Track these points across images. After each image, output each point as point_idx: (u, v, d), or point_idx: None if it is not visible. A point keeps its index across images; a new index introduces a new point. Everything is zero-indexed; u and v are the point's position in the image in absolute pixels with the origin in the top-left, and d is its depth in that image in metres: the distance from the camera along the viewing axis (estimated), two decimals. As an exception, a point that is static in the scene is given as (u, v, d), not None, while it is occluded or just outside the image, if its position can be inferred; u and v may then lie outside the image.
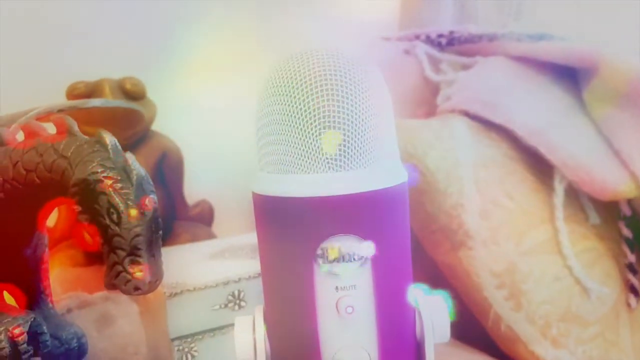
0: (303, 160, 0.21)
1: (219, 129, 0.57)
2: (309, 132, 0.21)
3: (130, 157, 0.24)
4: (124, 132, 0.44)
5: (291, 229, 0.21)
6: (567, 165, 0.46)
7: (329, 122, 0.21)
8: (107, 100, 0.38)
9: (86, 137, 0.25)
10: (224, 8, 0.59)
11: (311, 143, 0.21)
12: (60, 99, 0.46)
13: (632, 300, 0.48)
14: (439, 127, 0.48)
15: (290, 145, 0.21)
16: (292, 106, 0.21)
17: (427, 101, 0.55)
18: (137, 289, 0.23)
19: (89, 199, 0.23)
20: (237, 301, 0.36)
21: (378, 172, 0.21)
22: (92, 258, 0.47)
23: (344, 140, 0.21)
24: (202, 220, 0.56)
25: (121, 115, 0.41)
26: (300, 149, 0.21)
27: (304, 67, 0.21)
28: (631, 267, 0.48)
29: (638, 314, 0.48)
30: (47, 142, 0.25)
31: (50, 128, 0.27)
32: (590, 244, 0.48)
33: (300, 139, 0.21)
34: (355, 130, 0.21)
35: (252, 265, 0.37)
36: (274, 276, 0.22)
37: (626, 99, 0.46)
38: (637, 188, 0.45)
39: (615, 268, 0.48)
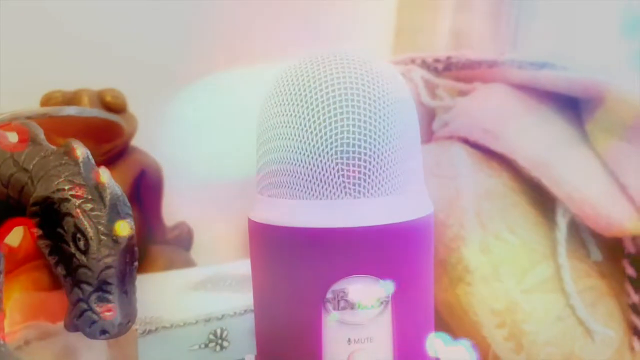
0: (314, 183, 0.17)
1: (204, 146, 0.54)
2: (322, 150, 0.17)
3: (104, 173, 0.21)
4: (101, 146, 0.41)
5: (296, 266, 0.17)
6: (572, 198, 0.44)
7: (347, 138, 0.17)
8: (84, 109, 0.35)
9: (53, 147, 0.21)
10: (209, 18, 0.56)
11: (325, 163, 0.17)
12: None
13: (637, 343, 0.45)
14: (438, 153, 0.45)
15: (298, 165, 0.18)
16: (303, 119, 0.18)
17: (422, 127, 0.53)
18: (104, 332, 0.19)
19: (51, 220, 0.20)
20: (220, 341, 0.32)
21: (404, 201, 0.18)
22: (58, 281, 0.43)
23: (365, 162, 0.17)
24: (180, 244, 0.53)
25: (99, 126, 0.38)
26: (311, 169, 0.18)
27: (317, 73, 0.18)
28: (635, 308, 0.46)
29: (642, 358, 0.46)
30: (5, 151, 0.21)
31: (14, 138, 0.23)
32: (592, 282, 0.46)
33: (312, 157, 0.18)
34: (378, 150, 0.17)
35: (238, 299, 0.33)
36: (271, 321, 0.19)
37: (633, 131, 0.44)
38: (644, 225, 0.43)
39: (618, 308, 0.46)
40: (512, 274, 0.43)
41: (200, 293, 0.36)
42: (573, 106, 0.49)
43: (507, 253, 0.43)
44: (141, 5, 0.55)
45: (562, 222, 0.45)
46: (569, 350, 0.42)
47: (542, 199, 0.45)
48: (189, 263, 0.51)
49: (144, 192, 0.50)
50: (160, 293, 0.36)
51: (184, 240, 0.52)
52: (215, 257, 0.53)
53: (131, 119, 0.47)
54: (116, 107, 0.45)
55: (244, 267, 0.41)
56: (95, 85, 0.46)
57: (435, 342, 0.19)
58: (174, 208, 0.53)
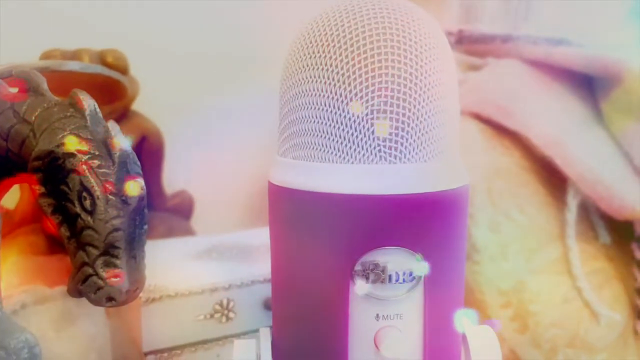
0: (346, 145, 0.16)
1: (208, 112, 0.53)
2: (355, 109, 0.16)
3: (113, 127, 0.19)
4: (101, 108, 0.39)
5: (323, 235, 0.16)
6: (585, 179, 0.43)
7: (385, 96, 0.16)
8: (88, 65, 0.33)
9: (57, 98, 0.20)
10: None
11: (358, 123, 0.16)
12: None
13: (640, 327, 0.45)
14: (449, 129, 0.44)
15: (328, 125, 0.16)
16: (335, 73, 0.16)
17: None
18: (110, 299, 0.18)
19: (55, 177, 0.18)
20: (225, 312, 0.31)
21: (442, 169, 0.16)
22: (57, 245, 0.42)
23: (404, 123, 0.16)
24: (180, 212, 0.52)
25: (101, 86, 0.36)
26: (343, 129, 0.16)
27: (352, 23, 0.16)
28: (640, 292, 0.45)
29: (645, 342, 0.46)
30: (5, 101, 0.19)
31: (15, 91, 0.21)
32: (600, 265, 0.45)
33: (344, 116, 0.16)
34: (418, 111, 0.16)
35: (245, 270, 0.32)
36: (291, 293, 0.17)
37: (651, 112, 0.43)
38: (657, 209, 0.42)
39: (624, 292, 0.45)
40: (520, 253, 0.42)
41: (205, 262, 0.34)
42: (587, 85, 0.48)
43: (516, 233, 0.42)
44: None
45: (572, 203, 0.44)
46: (574, 332, 0.42)
47: (553, 179, 0.44)
48: (188, 232, 0.50)
49: (144, 158, 0.48)
50: (163, 261, 0.35)
51: (184, 208, 0.51)
52: (215, 226, 0.52)
53: (133, 81, 0.45)
54: (118, 68, 0.43)
55: (251, 236, 0.40)
56: (96, 47, 0.44)
57: (463, 320, 0.18)
58: (175, 176, 0.52)
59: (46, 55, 0.42)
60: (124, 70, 0.44)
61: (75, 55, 0.41)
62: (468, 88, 0.48)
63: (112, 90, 0.39)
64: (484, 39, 0.53)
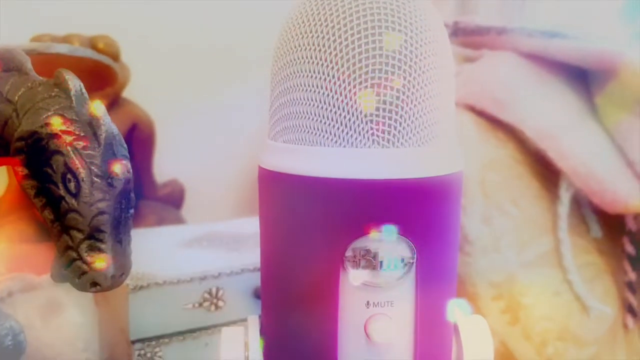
0: (338, 128, 0.15)
1: (198, 100, 0.52)
2: (350, 91, 0.15)
3: (99, 108, 0.19)
4: (92, 93, 0.38)
5: (314, 220, 0.16)
6: (578, 173, 0.42)
7: (379, 78, 0.15)
8: (77, 48, 0.32)
9: (42, 78, 0.19)
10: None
11: (352, 106, 0.15)
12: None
13: (630, 320, 0.45)
14: (443, 120, 0.44)
15: (319, 107, 0.16)
16: (329, 54, 0.15)
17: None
18: (95, 284, 0.18)
19: (38, 159, 0.17)
20: (214, 300, 0.30)
21: (436, 154, 0.16)
22: (45, 233, 0.41)
23: (398, 107, 0.15)
24: (171, 201, 0.51)
25: (91, 71, 0.35)
26: (334, 112, 0.15)
27: (344, 2, 0.16)
28: (630, 286, 0.45)
29: (634, 335, 0.46)
30: (-13, 81, 0.19)
31: None
32: (591, 258, 0.45)
33: (337, 99, 0.15)
34: (413, 95, 0.15)
35: (235, 258, 0.32)
36: (281, 279, 0.17)
37: (645, 106, 0.43)
38: (650, 203, 0.42)
39: (614, 285, 0.46)
40: (512, 246, 0.42)
41: (195, 250, 0.34)
42: (582, 78, 0.48)
43: (509, 225, 0.42)
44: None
45: (565, 196, 0.44)
46: (564, 325, 0.42)
47: (546, 172, 0.44)
48: (179, 221, 0.49)
49: (135, 146, 0.48)
50: (152, 249, 0.34)
51: (175, 197, 0.51)
52: (206, 216, 0.51)
53: (124, 68, 0.44)
54: (109, 54, 0.42)
55: (240, 225, 0.40)
56: (87, 32, 0.43)
57: (454, 309, 0.18)
58: (166, 165, 0.51)
59: (36, 39, 0.41)
60: (114, 57, 0.43)
61: (65, 40, 0.41)
62: (463, 80, 0.48)
63: (102, 76, 0.38)
64: (479, 31, 0.53)
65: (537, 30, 0.51)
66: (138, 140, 0.48)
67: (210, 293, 0.30)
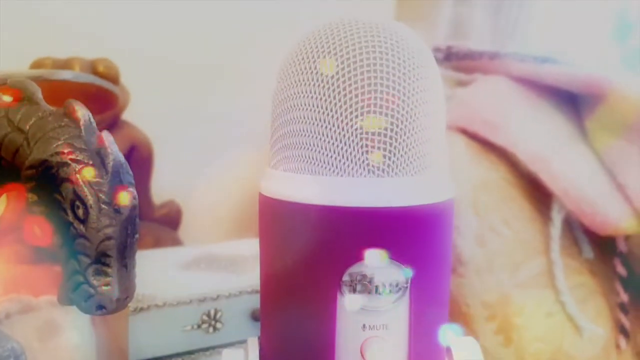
0: (335, 158, 0.16)
1: (196, 123, 0.53)
2: (346, 124, 0.16)
3: (107, 137, 0.19)
4: (93, 116, 0.39)
5: (312, 245, 0.16)
6: (569, 195, 0.43)
7: (374, 112, 0.16)
8: (80, 74, 0.33)
9: (51, 107, 0.20)
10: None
11: (348, 137, 0.16)
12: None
13: (622, 341, 0.46)
14: (437, 143, 0.45)
15: (319, 139, 0.17)
16: (326, 89, 0.17)
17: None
18: (100, 307, 0.18)
19: (48, 186, 0.18)
20: (213, 322, 0.31)
21: (428, 183, 0.17)
22: (41, 255, 0.41)
23: (391, 139, 0.16)
24: (168, 223, 0.52)
25: (92, 95, 0.36)
26: (333, 143, 0.16)
27: (342, 41, 0.17)
28: (622, 307, 0.46)
29: (627, 356, 0.46)
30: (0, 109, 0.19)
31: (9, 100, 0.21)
32: (583, 279, 0.46)
33: (335, 131, 0.16)
34: (405, 127, 0.16)
35: (233, 280, 0.32)
36: (279, 302, 0.18)
37: (633, 130, 0.44)
38: (639, 225, 0.43)
39: (606, 306, 0.46)
40: (506, 267, 0.42)
41: (193, 272, 0.34)
42: (572, 102, 0.49)
43: (502, 246, 0.43)
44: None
45: (557, 218, 0.44)
46: (558, 346, 0.42)
47: (538, 194, 0.45)
48: (176, 242, 0.50)
49: (134, 167, 0.48)
50: (151, 270, 0.35)
51: (172, 219, 0.51)
52: (203, 237, 0.52)
53: (124, 91, 0.45)
54: (109, 77, 0.43)
55: (238, 247, 0.41)
56: (86, 56, 0.44)
57: (447, 332, 0.18)
58: (163, 186, 0.52)
59: (38, 63, 0.42)
60: (114, 80, 0.44)
61: (66, 64, 0.42)
62: (456, 103, 0.49)
63: (104, 100, 0.39)
64: (472, 55, 0.54)
65: (529, 55, 0.52)
66: (136, 161, 0.48)
67: (208, 315, 0.30)
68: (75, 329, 0.37)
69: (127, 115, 0.48)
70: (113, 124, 0.45)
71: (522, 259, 0.43)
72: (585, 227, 0.45)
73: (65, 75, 0.29)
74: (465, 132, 0.47)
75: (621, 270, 0.46)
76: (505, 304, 0.42)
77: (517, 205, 0.45)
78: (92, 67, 0.43)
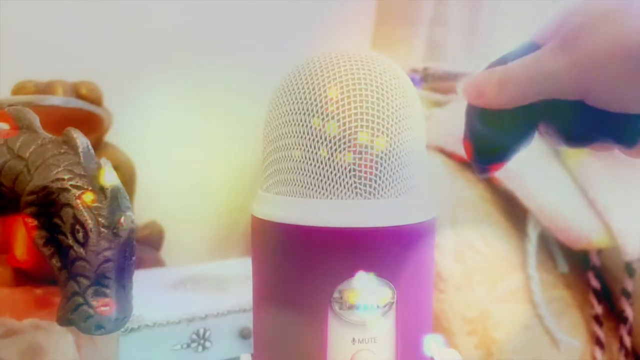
0: (325, 182, 0.17)
1: (178, 143, 0.53)
2: (335, 149, 0.17)
3: (105, 163, 0.20)
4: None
5: (303, 264, 0.17)
6: (544, 212, 0.45)
7: (361, 139, 0.17)
8: (70, 100, 0.34)
9: (50, 135, 0.21)
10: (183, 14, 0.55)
11: (337, 162, 0.17)
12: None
13: (598, 352, 0.47)
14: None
15: (308, 163, 0.18)
16: (315, 117, 0.18)
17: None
18: (99, 327, 0.19)
19: (49, 211, 0.19)
20: (202, 341, 0.31)
21: (412, 204, 0.18)
22: (23, 278, 0.41)
23: (378, 163, 0.17)
24: (150, 243, 0.52)
25: (77, 118, 0.36)
26: (321, 168, 0.18)
27: (329, 73, 0.18)
28: (597, 319, 0.47)
29: (602, 368, 0.47)
30: (-2, 138, 0.20)
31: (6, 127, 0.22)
32: (559, 293, 0.47)
33: (323, 156, 0.18)
34: (390, 152, 0.18)
35: (221, 300, 0.33)
36: (273, 319, 0.18)
37: (603, 148, 0.46)
38: (611, 239, 0.44)
39: (582, 319, 0.47)
40: (484, 283, 0.43)
41: (181, 293, 0.35)
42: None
43: (480, 262, 0.44)
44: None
45: (532, 234, 0.46)
46: (535, 358, 0.43)
47: (514, 211, 0.46)
48: (158, 262, 0.50)
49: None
50: (140, 291, 0.35)
51: (154, 239, 0.51)
52: (185, 257, 0.52)
53: (108, 113, 0.45)
54: (92, 100, 0.43)
55: (223, 267, 0.41)
56: (68, 76, 0.44)
57: (430, 344, 0.19)
58: (145, 207, 0.52)
59: (19, 87, 0.42)
60: (97, 102, 0.44)
61: (48, 87, 0.42)
62: (433, 123, 0.51)
63: (89, 123, 0.39)
64: (447, 77, 0.56)
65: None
66: (119, 182, 0.48)
67: (197, 334, 0.31)
68: (58, 352, 0.37)
69: (109, 137, 0.48)
70: (96, 146, 0.45)
71: (500, 275, 0.44)
72: (560, 242, 0.46)
73: (55, 101, 0.30)
74: (442, 152, 0.48)
75: (595, 283, 0.47)
76: (484, 318, 0.43)
77: (494, 222, 0.46)
78: (75, 90, 0.43)
